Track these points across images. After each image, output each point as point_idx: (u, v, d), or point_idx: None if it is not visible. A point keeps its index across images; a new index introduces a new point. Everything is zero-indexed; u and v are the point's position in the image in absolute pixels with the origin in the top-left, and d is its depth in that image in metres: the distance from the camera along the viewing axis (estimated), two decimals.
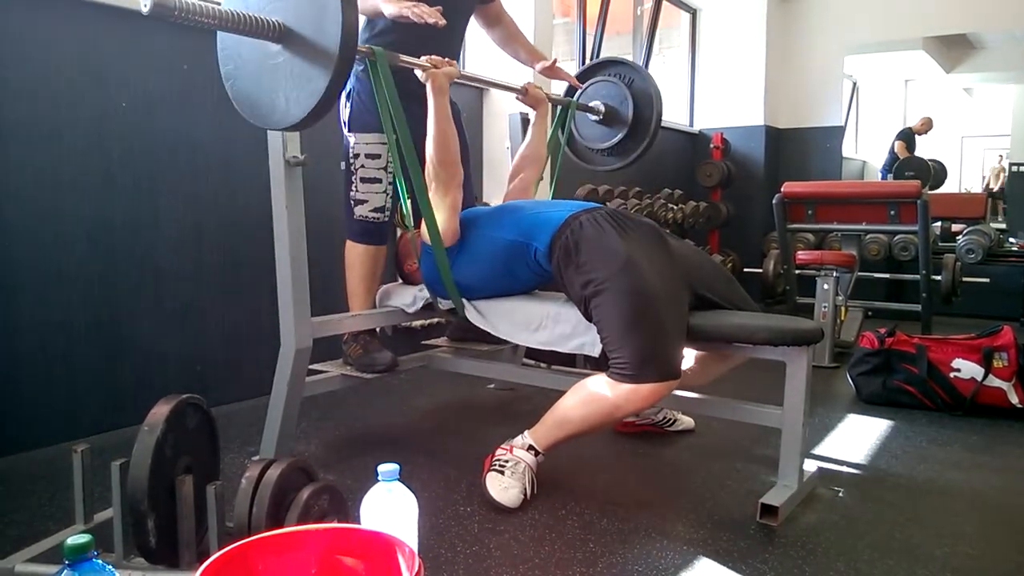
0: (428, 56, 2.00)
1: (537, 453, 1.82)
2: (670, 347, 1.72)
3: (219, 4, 1.49)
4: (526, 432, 1.85)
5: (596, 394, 1.73)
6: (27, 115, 2.08)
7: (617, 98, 2.78)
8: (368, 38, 2.25)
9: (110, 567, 0.89)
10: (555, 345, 1.94)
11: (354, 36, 1.50)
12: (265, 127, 1.70)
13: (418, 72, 2.01)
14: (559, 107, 2.75)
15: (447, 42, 2.26)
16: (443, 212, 2.00)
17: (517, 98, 2.53)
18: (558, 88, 3.00)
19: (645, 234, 1.88)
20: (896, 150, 6.60)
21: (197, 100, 2.47)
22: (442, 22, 1.92)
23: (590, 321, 1.81)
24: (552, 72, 2.57)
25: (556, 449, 1.84)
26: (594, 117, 2.82)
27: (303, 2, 1.50)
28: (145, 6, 1.32)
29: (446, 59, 2.03)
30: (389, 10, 2.00)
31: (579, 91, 2.85)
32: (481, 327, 2.09)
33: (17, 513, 1.71)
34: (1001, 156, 7.26)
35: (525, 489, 1.78)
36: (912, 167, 6.02)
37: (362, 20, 2.29)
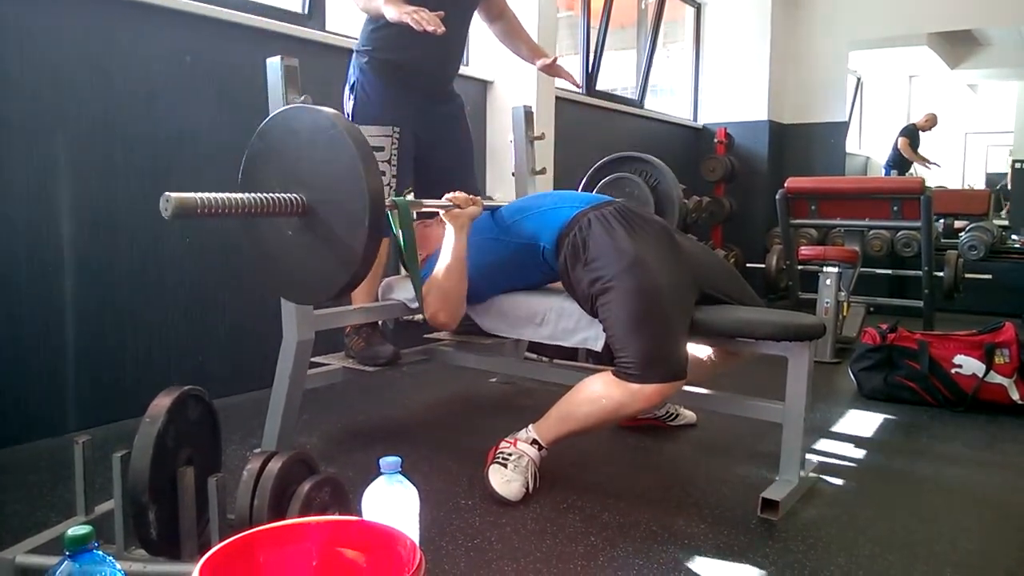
0: (452, 195, 1.96)
1: (540, 448, 1.82)
2: (676, 347, 1.71)
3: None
4: (530, 426, 1.85)
5: (601, 392, 1.72)
6: (28, 107, 2.07)
7: (640, 199, 2.70)
8: (371, 30, 2.25)
9: (111, 558, 0.89)
10: (559, 339, 1.94)
11: (381, 213, 1.43)
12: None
13: (441, 213, 1.97)
14: None
15: (451, 35, 2.25)
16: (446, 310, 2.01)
17: None
18: (560, 85, 2.98)
19: (655, 232, 1.87)
20: (900, 146, 6.57)
21: (199, 92, 2.47)
22: (441, 29, 1.92)
23: (595, 318, 1.81)
24: (552, 70, 2.56)
25: (558, 443, 1.84)
26: None
27: (326, 179, 1.44)
28: (166, 211, 1.29)
29: (471, 197, 1.99)
30: (391, 14, 2.00)
31: (601, 183, 2.77)
32: (485, 328, 2.09)
33: (18, 504, 1.71)
34: None
35: (527, 483, 1.78)
36: None
37: (364, 16, 2.29)
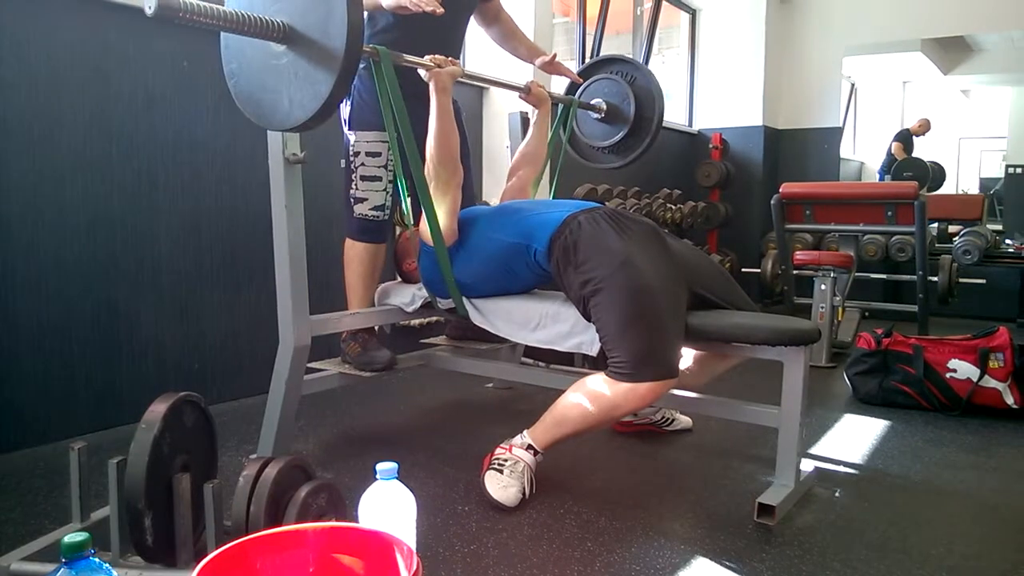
0: (432, 55, 2.00)
1: (536, 452, 1.82)
2: (668, 346, 1.72)
3: (223, 4, 1.49)
4: (525, 432, 1.85)
5: (594, 393, 1.74)
6: (26, 110, 2.07)
7: (619, 96, 2.77)
8: (370, 35, 2.25)
9: (107, 565, 0.89)
10: (553, 344, 1.94)
11: (359, 38, 1.48)
12: (268, 128, 1.69)
13: (421, 71, 2.00)
14: (561, 105, 2.75)
15: (448, 39, 2.26)
16: (442, 212, 2.00)
17: (520, 96, 2.52)
18: (559, 85, 3.00)
19: (643, 233, 1.88)
20: (894, 151, 6.60)
21: (197, 97, 2.47)
22: (440, 10, 1.93)
23: (589, 321, 1.81)
24: (552, 67, 2.57)
25: (555, 448, 1.84)
26: (596, 115, 2.82)
27: (308, 3, 1.49)
28: (149, 7, 1.31)
29: (449, 58, 2.03)
30: (387, 1, 2.00)
31: (580, 88, 2.84)
32: (480, 326, 2.09)
33: (13, 511, 1.71)
34: None
35: (524, 488, 1.78)
36: (911, 168, 6.02)
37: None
